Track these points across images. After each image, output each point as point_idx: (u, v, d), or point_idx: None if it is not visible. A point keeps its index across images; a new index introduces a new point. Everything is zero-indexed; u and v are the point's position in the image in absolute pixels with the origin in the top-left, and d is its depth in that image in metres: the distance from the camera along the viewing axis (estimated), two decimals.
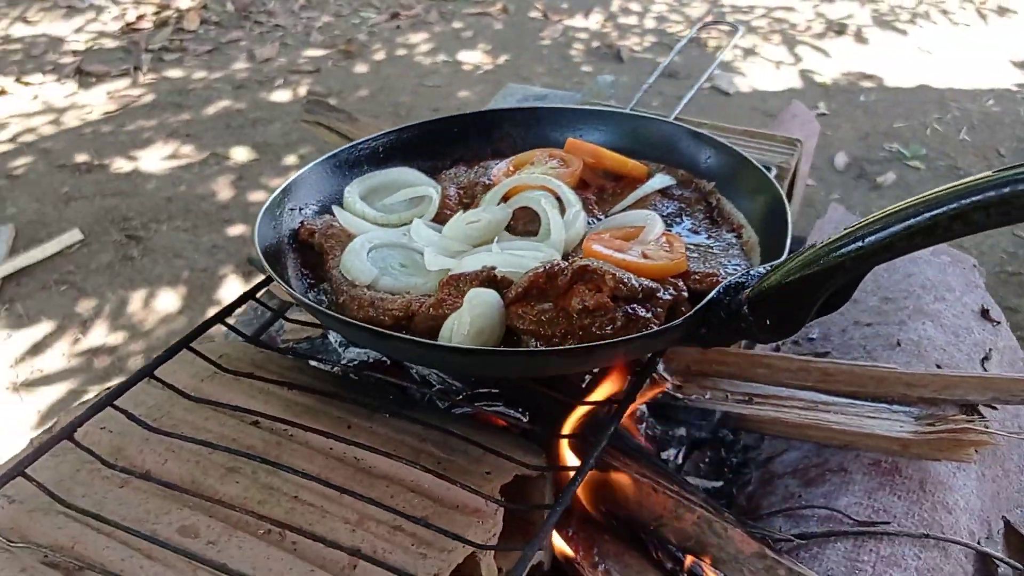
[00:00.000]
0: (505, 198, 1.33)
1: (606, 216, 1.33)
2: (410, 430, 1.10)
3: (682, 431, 1.39)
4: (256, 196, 3.96)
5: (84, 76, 5.15)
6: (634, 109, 1.65)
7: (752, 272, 1.06)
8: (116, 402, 1.07)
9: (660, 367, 1.40)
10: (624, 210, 1.33)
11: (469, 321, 1.06)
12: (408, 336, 1.07)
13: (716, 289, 1.06)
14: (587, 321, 1.07)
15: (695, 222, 1.33)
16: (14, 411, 2.81)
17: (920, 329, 1.60)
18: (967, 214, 0.84)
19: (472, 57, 5.41)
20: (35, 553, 0.94)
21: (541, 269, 1.09)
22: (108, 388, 1.14)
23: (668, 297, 1.11)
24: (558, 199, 1.30)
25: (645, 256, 1.16)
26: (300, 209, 1.35)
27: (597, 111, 1.52)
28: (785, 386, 1.42)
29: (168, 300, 3.33)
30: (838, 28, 5.82)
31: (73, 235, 3.69)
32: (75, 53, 5.43)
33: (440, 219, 1.33)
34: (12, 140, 4.47)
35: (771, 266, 1.02)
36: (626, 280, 1.08)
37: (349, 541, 0.94)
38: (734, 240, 1.29)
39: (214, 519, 0.98)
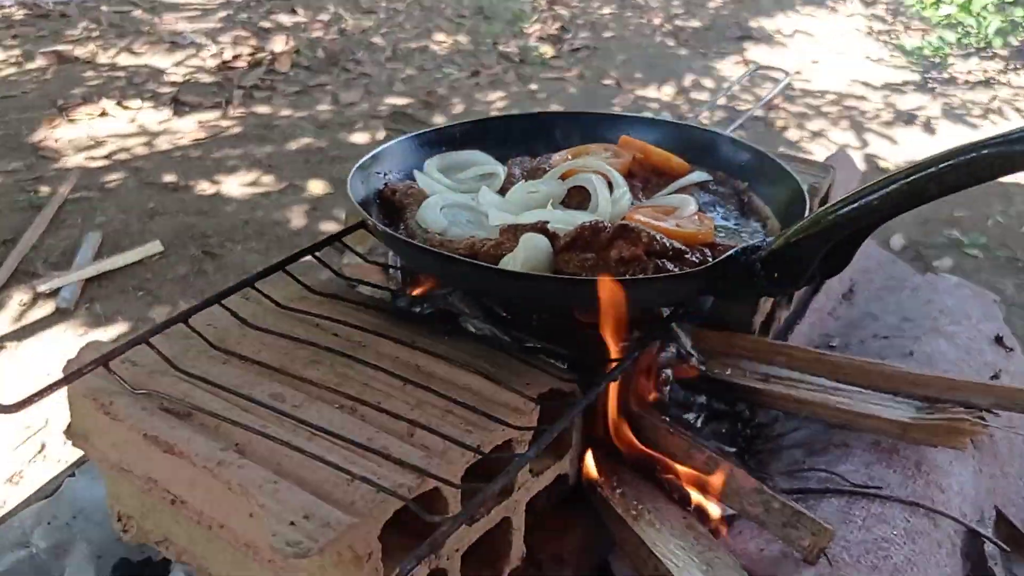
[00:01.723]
0: (562, 179, 1.53)
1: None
2: (465, 349, 1.29)
3: (703, 399, 1.56)
4: (327, 226, 4.21)
5: (179, 105, 5.50)
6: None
7: (767, 240, 1.24)
8: (223, 302, 1.28)
9: (688, 344, 1.57)
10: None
11: (523, 258, 1.25)
12: (469, 259, 1.27)
13: (735, 248, 1.24)
14: (622, 269, 1.26)
15: (727, 212, 1.52)
16: None
17: (934, 344, 1.76)
18: (942, 175, 1.02)
19: None
20: (154, 400, 1.14)
21: (588, 223, 1.29)
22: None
23: (695, 259, 1.29)
24: (608, 184, 1.50)
25: (678, 225, 1.35)
26: (385, 174, 1.57)
27: (650, 119, 1.72)
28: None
29: None
30: (907, 118, 5.98)
31: (154, 246, 3.96)
32: (173, 84, 5.81)
33: (503, 193, 1.53)
34: (107, 157, 4.81)
35: (782, 233, 1.21)
36: (658, 238, 1.27)
37: (409, 415, 1.12)
38: (760, 228, 1.48)
39: (298, 391, 1.17)
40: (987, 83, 6.74)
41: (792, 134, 5.67)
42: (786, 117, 5.90)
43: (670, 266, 1.26)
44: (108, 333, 3.36)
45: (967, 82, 6.72)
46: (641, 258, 1.26)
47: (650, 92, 6.16)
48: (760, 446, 1.58)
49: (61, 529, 1.40)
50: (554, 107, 5.79)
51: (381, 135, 5.26)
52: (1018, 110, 6.24)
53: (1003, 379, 1.76)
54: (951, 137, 5.72)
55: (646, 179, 1.60)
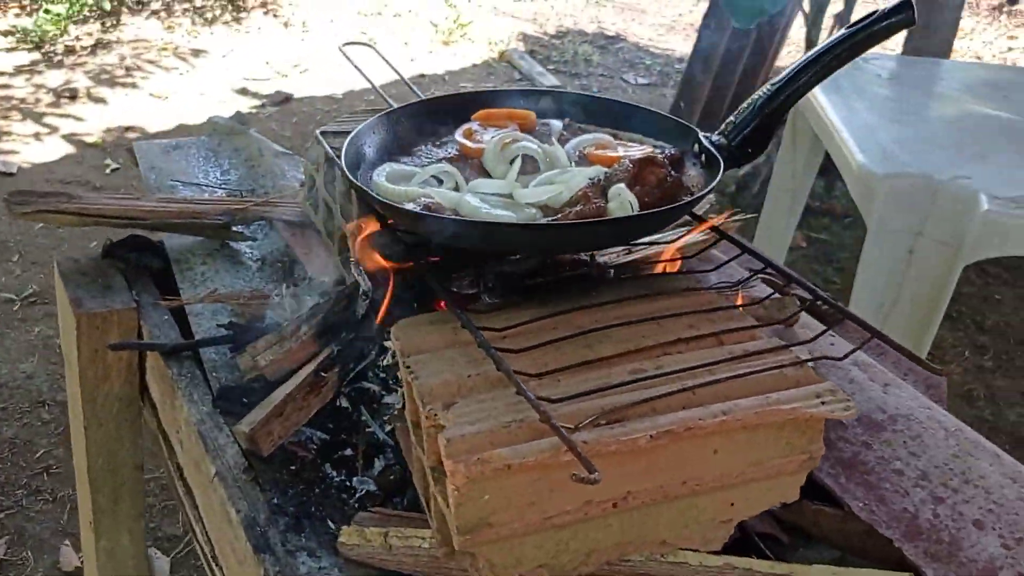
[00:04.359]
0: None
1: None
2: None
3: None
4: None
5: None
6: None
7: (704, 134, 1.75)
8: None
9: None
10: None
11: (635, 198, 1.56)
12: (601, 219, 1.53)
13: (705, 144, 1.73)
14: (666, 187, 1.64)
15: None
16: None
17: None
18: (841, 54, 1.64)
19: None
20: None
21: (631, 163, 1.63)
22: None
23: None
24: None
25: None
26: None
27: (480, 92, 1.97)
28: None
29: None
30: (69, 94, 6.02)
31: None
32: None
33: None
34: None
35: (742, 116, 1.72)
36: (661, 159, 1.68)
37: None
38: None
39: (640, 363, 1.37)
40: None
41: None
42: None
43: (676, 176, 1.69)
44: None
45: None
46: (669, 175, 1.65)
47: None
48: None
49: None
50: None
51: None
52: (151, 62, 6.70)
53: None
54: (122, 101, 5.96)
55: None
